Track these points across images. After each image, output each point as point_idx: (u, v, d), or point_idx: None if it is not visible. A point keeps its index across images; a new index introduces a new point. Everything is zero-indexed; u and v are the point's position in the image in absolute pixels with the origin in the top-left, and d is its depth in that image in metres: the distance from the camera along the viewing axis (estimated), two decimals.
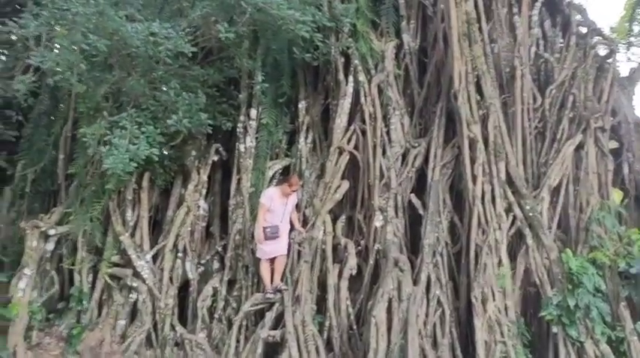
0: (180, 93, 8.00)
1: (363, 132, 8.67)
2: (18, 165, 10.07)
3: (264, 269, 8.02)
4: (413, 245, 8.12)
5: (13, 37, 9.85)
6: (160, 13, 8.74)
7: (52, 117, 10.33)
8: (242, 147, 8.87)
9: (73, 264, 8.60)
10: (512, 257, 7.64)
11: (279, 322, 7.61)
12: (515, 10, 9.32)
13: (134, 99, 8.09)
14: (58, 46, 7.88)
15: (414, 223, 8.26)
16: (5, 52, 11.90)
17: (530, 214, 7.66)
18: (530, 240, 7.54)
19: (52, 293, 8.56)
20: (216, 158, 9.15)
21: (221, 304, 8.23)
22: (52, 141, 9.91)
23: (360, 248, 8.21)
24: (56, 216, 8.74)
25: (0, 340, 7.69)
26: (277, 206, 8.02)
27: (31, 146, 10.20)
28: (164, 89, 8.00)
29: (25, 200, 9.82)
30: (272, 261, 8.07)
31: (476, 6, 8.50)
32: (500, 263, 7.35)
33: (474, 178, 7.75)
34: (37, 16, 7.50)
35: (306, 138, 9.11)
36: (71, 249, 8.72)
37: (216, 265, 8.84)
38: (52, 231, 8.46)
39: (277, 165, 9.06)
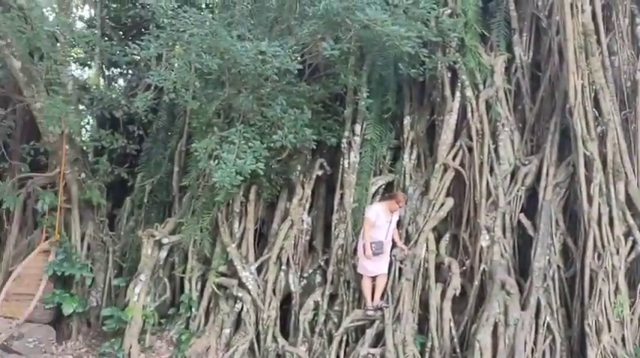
0: (286, 110, 8.18)
1: (470, 149, 8.43)
2: (137, 176, 10.69)
3: (366, 286, 7.97)
4: (521, 267, 7.78)
5: (137, 58, 10.57)
6: (270, 31, 9.02)
7: (169, 133, 10.93)
8: (346, 163, 8.90)
9: (183, 272, 8.99)
10: (631, 284, 7.11)
11: (379, 340, 7.55)
12: (637, 20, 8.68)
13: (243, 115, 8.37)
14: (175, 66, 8.34)
15: (524, 245, 7.93)
16: (130, 71, 12.80)
17: None
18: None
19: (164, 299, 8.99)
20: (320, 173, 9.25)
21: (322, 318, 8.24)
22: (168, 155, 10.46)
23: (464, 268, 7.98)
24: (170, 226, 9.22)
25: (116, 341, 8.23)
26: (382, 222, 7.96)
27: (150, 159, 10.82)
28: (271, 105, 8.23)
29: (143, 210, 10.35)
30: (373, 277, 8.02)
31: (594, 17, 8.02)
32: (617, 290, 6.86)
33: (590, 199, 7.31)
34: (157, 37, 7.98)
35: (410, 154, 9.00)
36: (182, 258, 9.12)
37: (318, 279, 8.89)
38: (165, 240, 8.91)
39: (381, 181, 9.01)
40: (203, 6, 10.00)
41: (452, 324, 7.47)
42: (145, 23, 11.53)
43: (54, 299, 8.92)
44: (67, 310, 8.89)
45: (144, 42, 7.96)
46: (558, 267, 7.42)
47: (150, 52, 7.85)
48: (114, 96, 11.15)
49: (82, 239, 9.65)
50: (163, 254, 8.99)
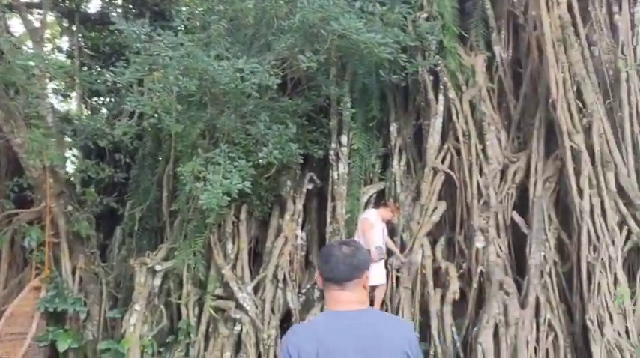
0: (270, 126, 8.10)
1: (458, 151, 8.41)
2: (127, 205, 10.56)
3: None
4: (518, 266, 7.71)
5: (119, 85, 10.47)
6: (249, 49, 8.95)
7: (156, 158, 10.81)
8: (335, 174, 8.82)
9: (179, 298, 8.84)
10: (631, 275, 7.03)
11: None
12: (615, 9, 8.69)
13: (227, 135, 8.29)
14: (155, 90, 8.24)
15: (518, 243, 7.85)
16: (112, 99, 12.71)
17: None
18: None
19: (162, 327, 8.83)
20: (310, 186, 9.16)
21: None
22: (156, 181, 10.31)
23: (462, 271, 7.91)
24: (163, 253, 9.09)
25: None
26: (378, 229, 7.87)
27: (138, 186, 10.69)
28: (255, 122, 8.15)
29: (134, 238, 10.20)
30: (372, 288, 7.91)
31: (570, 9, 8.01)
32: (616, 281, 6.77)
33: (580, 191, 7.26)
34: (134, 63, 7.89)
35: (399, 160, 8.95)
36: (177, 284, 8.97)
37: (316, 294, 8.74)
38: (158, 267, 8.78)
39: (372, 190, 8.94)
40: (180, 28, 9.88)
41: (454, 329, 7.38)
42: (124, 50, 11.43)
43: (48, 337, 8.79)
44: (61, 347, 8.76)
45: (118, 68, 7.88)
46: (555, 262, 7.35)
47: (125, 78, 7.74)
48: (97, 125, 11.04)
49: (74, 272, 9.53)
50: (157, 281, 8.84)
